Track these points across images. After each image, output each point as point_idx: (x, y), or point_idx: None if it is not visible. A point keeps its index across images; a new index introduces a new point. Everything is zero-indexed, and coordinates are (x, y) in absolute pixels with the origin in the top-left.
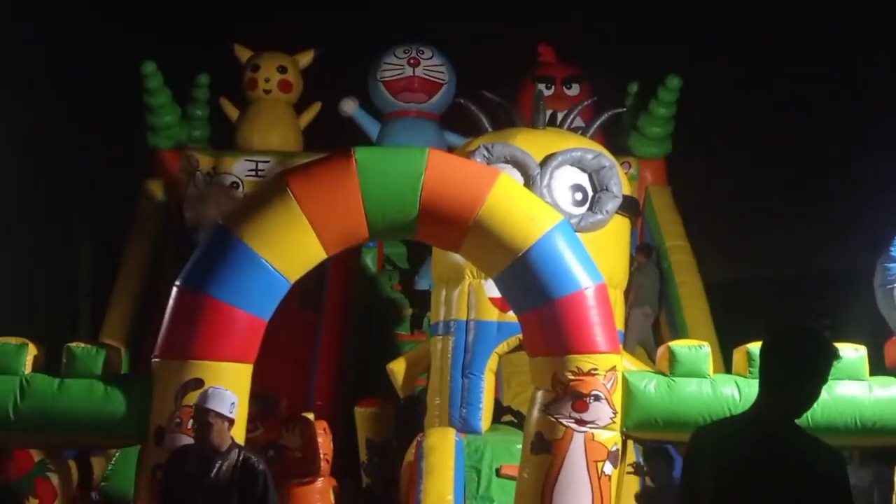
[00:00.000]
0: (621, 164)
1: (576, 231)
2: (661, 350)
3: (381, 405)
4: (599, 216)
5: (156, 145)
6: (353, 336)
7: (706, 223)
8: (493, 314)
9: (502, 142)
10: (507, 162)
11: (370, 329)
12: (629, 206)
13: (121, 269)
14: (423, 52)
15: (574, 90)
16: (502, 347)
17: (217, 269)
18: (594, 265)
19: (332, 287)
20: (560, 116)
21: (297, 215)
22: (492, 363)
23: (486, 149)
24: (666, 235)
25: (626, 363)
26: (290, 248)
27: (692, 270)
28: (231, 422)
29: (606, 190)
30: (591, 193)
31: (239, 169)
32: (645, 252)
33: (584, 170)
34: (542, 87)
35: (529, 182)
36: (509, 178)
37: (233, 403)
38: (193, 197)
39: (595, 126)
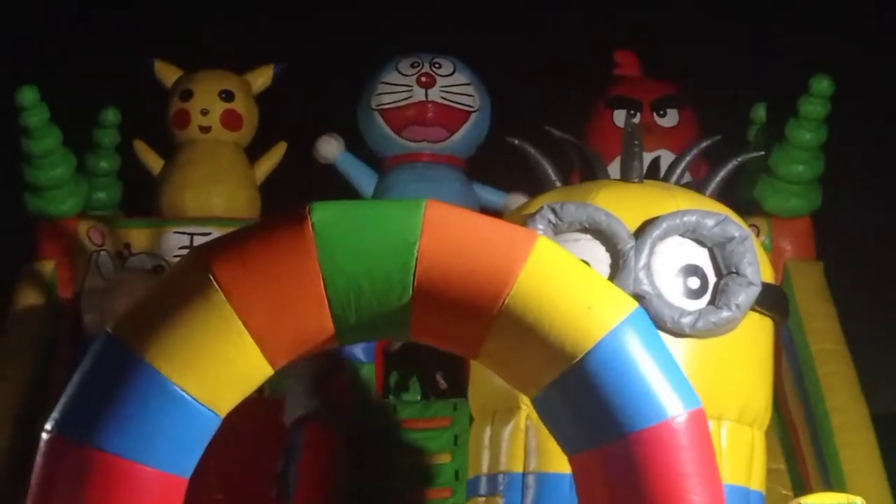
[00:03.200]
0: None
1: (690, 335)
2: None
3: None
4: (726, 313)
5: (39, 213)
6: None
7: (878, 319)
8: (563, 463)
9: (577, 200)
10: (584, 230)
11: (363, 489)
12: (773, 300)
13: None
14: (439, 66)
15: (670, 118)
16: None
17: (109, 407)
18: (687, 382)
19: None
20: (663, 162)
21: (226, 317)
22: None
23: (554, 211)
24: (813, 336)
25: None
26: (219, 367)
27: (853, 391)
28: None
29: (737, 274)
30: (712, 279)
31: (166, 246)
32: None
33: (701, 243)
34: (620, 115)
35: (619, 260)
36: (553, 245)
37: None
38: (97, 290)
39: (720, 178)
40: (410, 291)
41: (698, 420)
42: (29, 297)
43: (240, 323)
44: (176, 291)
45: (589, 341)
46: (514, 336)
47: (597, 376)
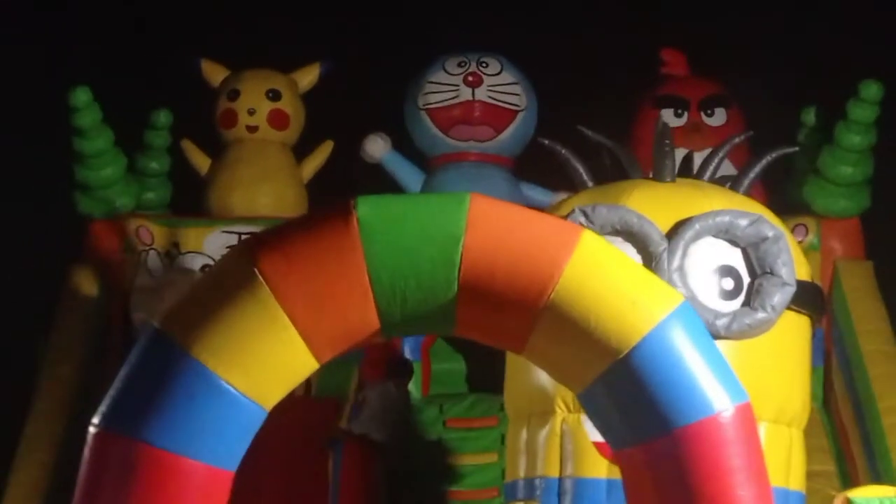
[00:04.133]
0: (794, 228)
1: (725, 336)
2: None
3: None
4: (761, 314)
5: (89, 213)
6: None
7: None
8: (600, 468)
9: (609, 202)
10: (615, 233)
11: (409, 488)
12: (808, 298)
13: (34, 402)
14: (486, 65)
15: (718, 118)
16: None
17: (155, 401)
18: (733, 376)
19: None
20: (697, 160)
21: (272, 311)
22: None
23: (585, 213)
24: (864, 338)
25: None
26: (265, 361)
27: None
28: None
29: (771, 273)
30: (746, 280)
31: (213, 245)
32: None
33: (735, 243)
34: (667, 114)
35: (651, 263)
36: (597, 239)
37: None
38: (146, 289)
39: (752, 176)
40: (456, 286)
41: (745, 414)
42: (78, 297)
43: (285, 317)
44: (222, 286)
45: (635, 336)
46: (560, 330)
47: (643, 371)
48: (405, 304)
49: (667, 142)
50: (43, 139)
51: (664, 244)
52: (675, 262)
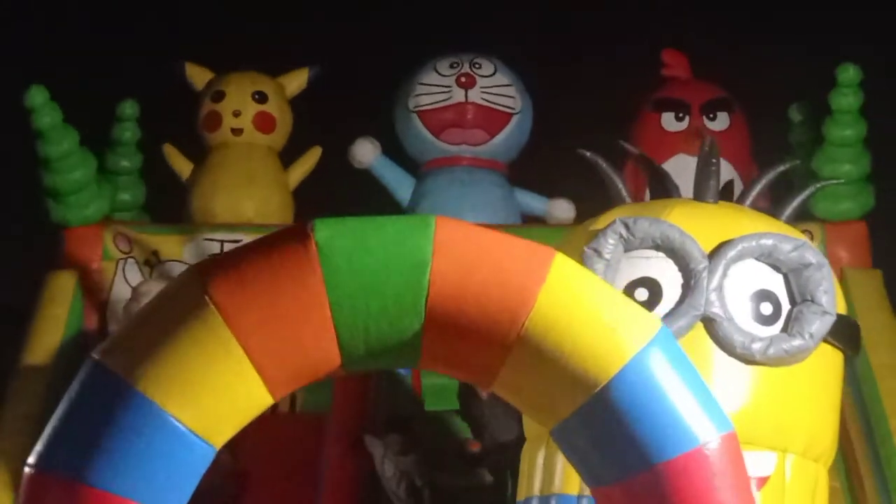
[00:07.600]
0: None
1: (760, 362)
2: None
3: None
4: (798, 341)
5: (62, 220)
6: None
7: None
8: None
9: (650, 216)
10: (656, 247)
11: None
12: (846, 333)
13: (1, 420)
14: (479, 66)
15: (720, 122)
16: None
17: (97, 439)
18: (717, 404)
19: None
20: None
21: (224, 341)
22: None
23: (626, 226)
24: (872, 351)
25: None
26: (217, 395)
27: None
28: None
29: (812, 301)
30: (786, 306)
31: (196, 253)
32: None
33: (777, 269)
34: (668, 118)
35: (691, 280)
36: (570, 262)
37: None
38: (123, 299)
39: (757, 190)
40: (423, 315)
41: (731, 444)
42: (52, 309)
43: (239, 348)
44: (170, 313)
45: (614, 365)
46: (534, 362)
47: (623, 403)
48: (368, 336)
49: (713, 161)
50: (10, 143)
51: (705, 262)
52: (715, 282)
